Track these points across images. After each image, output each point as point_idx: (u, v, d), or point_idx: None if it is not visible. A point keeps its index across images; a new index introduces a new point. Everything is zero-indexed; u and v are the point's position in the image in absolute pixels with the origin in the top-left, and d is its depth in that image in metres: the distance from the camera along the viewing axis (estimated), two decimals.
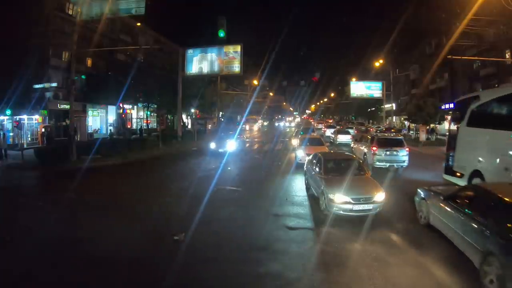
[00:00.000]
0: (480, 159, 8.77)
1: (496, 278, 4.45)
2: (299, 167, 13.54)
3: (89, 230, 7.08)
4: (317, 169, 9.39)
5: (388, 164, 13.50)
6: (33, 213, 8.44)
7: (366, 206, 7.53)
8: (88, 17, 17.62)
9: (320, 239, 6.72)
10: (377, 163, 13.59)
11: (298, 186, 11.33)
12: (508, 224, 4.67)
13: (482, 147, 8.88)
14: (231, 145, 18.91)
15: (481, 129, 9.00)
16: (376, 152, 13.63)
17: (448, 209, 6.17)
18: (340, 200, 7.50)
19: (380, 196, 7.64)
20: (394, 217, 7.92)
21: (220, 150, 18.47)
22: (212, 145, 19.31)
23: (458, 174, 9.73)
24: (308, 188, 10.38)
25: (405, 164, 13.65)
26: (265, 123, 64.16)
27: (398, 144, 13.98)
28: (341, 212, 7.55)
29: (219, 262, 5.66)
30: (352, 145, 19.34)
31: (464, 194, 6.21)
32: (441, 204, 6.51)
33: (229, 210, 8.71)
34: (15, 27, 22.16)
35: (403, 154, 13.56)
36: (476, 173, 8.78)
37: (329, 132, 31.45)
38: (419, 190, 7.78)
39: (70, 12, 26.85)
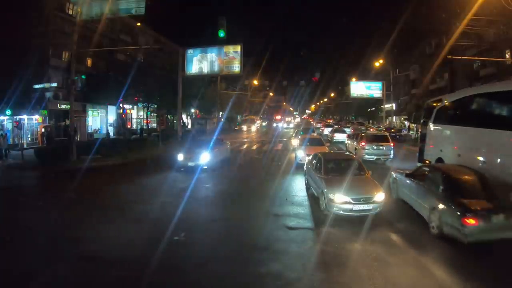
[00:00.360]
0: (442, 149, 10.96)
1: (436, 225, 6.68)
2: (299, 167, 13.51)
3: (89, 230, 7.09)
4: (317, 169, 9.39)
5: (375, 157, 15.55)
6: (33, 213, 8.45)
7: (366, 206, 7.54)
8: (88, 17, 17.60)
9: (320, 239, 6.72)
10: (366, 156, 15.46)
11: (298, 186, 11.32)
12: (444, 187, 6.99)
13: (443, 139, 11.18)
14: (205, 158, 13.83)
15: (443, 125, 11.39)
16: (365, 146, 15.74)
17: (409, 183, 8.52)
18: (340, 200, 7.50)
19: (380, 196, 7.65)
20: None
21: (190, 164, 13.73)
22: (180, 157, 14.17)
23: (427, 161, 11.66)
24: (308, 188, 10.38)
25: (391, 157, 15.68)
26: (264, 124, 62.24)
27: (384, 140, 16.13)
28: (341, 212, 7.55)
29: (219, 262, 5.67)
30: (346, 141, 21.42)
31: (419, 172, 8.70)
32: (404, 180, 8.83)
33: (229, 210, 8.72)
34: (15, 27, 22.16)
35: (388, 149, 15.66)
36: (439, 160, 10.81)
37: (327, 131, 33.68)
38: (392, 173, 9.96)
39: (70, 12, 26.86)
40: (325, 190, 7.95)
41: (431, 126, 12.02)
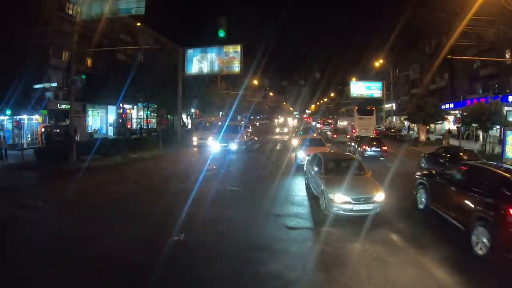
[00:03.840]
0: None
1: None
2: (299, 168, 13.47)
3: (89, 230, 7.08)
4: (317, 169, 9.39)
5: (327, 131, 34.08)
6: (33, 213, 8.44)
7: (366, 206, 7.54)
8: (88, 17, 17.58)
9: (320, 239, 6.73)
10: (324, 130, 40.69)
11: (298, 187, 11.31)
12: (333, 129, 34.21)
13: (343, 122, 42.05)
14: None
15: (342, 118, 44.95)
16: (323, 127, 46.50)
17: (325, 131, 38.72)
18: (340, 200, 7.50)
19: (380, 196, 7.64)
20: None
21: None
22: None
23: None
24: (308, 188, 10.37)
25: (348, 137, 27.86)
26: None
27: (345, 132, 30.98)
28: (341, 212, 7.55)
29: (219, 262, 5.67)
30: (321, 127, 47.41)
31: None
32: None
33: (229, 210, 8.71)
34: (15, 27, 22.13)
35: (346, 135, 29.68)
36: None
37: (318, 125, 52.38)
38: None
39: (70, 12, 26.82)
40: (325, 190, 7.95)
41: (340, 118, 45.98)
